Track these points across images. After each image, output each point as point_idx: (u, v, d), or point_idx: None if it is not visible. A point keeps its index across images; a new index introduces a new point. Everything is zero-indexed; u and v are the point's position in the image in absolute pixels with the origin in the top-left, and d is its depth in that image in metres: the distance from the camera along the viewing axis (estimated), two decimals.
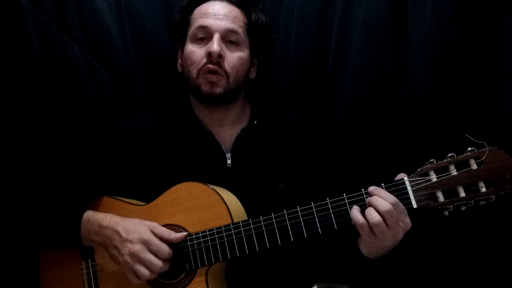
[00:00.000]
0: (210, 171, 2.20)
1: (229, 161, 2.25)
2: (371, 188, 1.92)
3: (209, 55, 2.16)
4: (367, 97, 2.53)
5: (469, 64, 2.36)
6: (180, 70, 2.34)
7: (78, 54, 2.55)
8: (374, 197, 1.89)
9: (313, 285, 2.32)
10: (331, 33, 2.57)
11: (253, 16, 2.30)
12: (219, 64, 2.18)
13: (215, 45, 2.16)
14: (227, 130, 2.31)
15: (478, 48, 2.35)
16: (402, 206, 1.89)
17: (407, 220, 1.90)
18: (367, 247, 1.99)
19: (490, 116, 2.33)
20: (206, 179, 2.12)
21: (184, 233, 2.05)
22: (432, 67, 2.40)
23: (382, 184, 1.92)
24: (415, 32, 2.43)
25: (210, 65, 2.17)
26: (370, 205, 1.89)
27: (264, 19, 2.35)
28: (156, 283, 2.08)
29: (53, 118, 2.57)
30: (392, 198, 1.87)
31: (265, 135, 2.31)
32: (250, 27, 2.28)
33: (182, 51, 2.30)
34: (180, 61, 2.34)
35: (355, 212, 1.91)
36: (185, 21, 2.28)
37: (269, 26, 2.40)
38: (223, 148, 2.27)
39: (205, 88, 2.19)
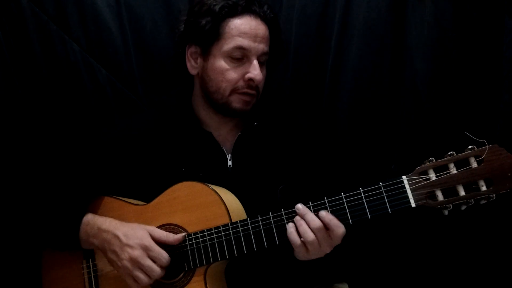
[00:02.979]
0: (210, 172, 2.20)
1: (229, 162, 2.25)
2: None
3: (250, 80, 2.17)
4: (367, 97, 2.52)
5: (469, 64, 2.36)
6: (193, 72, 2.30)
7: (78, 54, 2.55)
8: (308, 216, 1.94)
9: (313, 286, 2.32)
10: (331, 33, 2.57)
11: (276, 34, 2.28)
12: (258, 88, 2.21)
13: (258, 73, 2.16)
14: (227, 132, 2.32)
15: (478, 48, 2.35)
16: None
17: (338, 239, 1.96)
18: (298, 258, 2.03)
19: (490, 116, 2.32)
20: (206, 180, 2.12)
21: (183, 234, 2.06)
22: (432, 67, 2.40)
23: (380, 183, 1.91)
24: (415, 32, 2.43)
25: (249, 90, 2.19)
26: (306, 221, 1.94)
27: (282, 37, 2.35)
28: (155, 282, 2.08)
29: (53, 118, 2.57)
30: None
31: (265, 137, 2.31)
32: (271, 44, 2.26)
33: (203, 56, 2.24)
34: (194, 64, 2.28)
35: (293, 232, 1.94)
36: (216, 31, 2.19)
37: (284, 44, 2.39)
38: (223, 149, 2.27)
39: (237, 105, 2.20)
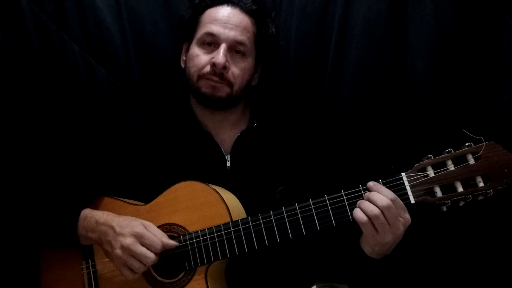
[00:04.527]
0: (209, 173, 2.20)
1: (228, 163, 2.25)
2: (370, 184, 1.92)
3: (213, 65, 2.16)
4: (367, 97, 2.53)
5: (469, 64, 2.37)
6: (183, 66, 2.34)
7: (78, 54, 2.54)
8: (372, 192, 1.90)
9: (313, 284, 2.31)
10: (331, 33, 2.56)
11: (263, 27, 2.29)
12: (222, 75, 2.18)
13: (220, 56, 2.15)
14: (226, 132, 2.32)
15: (478, 48, 2.36)
16: (401, 202, 1.89)
17: (407, 215, 1.90)
18: (370, 246, 1.99)
19: (490, 116, 2.33)
20: (205, 181, 2.12)
21: (175, 243, 2.04)
22: (432, 67, 2.40)
23: (380, 180, 1.92)
24: (415, 32, 2.43)
25: (213, 76, 2.18)
26: (369, 200, 1.89)
27: (274, 31, 2.35)
28: (156, 282, 2.09)
29: (52, 118, 2.57)
30: (390, 194, 1.88)
31: (264, 138, 2.31)
32: (259, 37, 2.27)
33: (188, 48, 2.29)
34: (184, 57, 2.33)
35: (358, 211, 1.91)
36: (195, 21, 2.26)
37: (278, 38, 2.39)
38: (222, 150, 2.27)
39: (206, 90, 2.20)
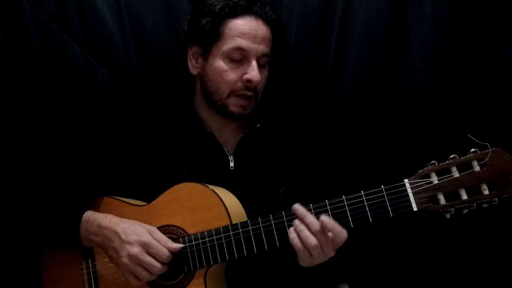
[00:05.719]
0: (212, 173, 2.20)
1: (231, 164, 2.25)
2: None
3: (247, 81, 2.16)
4: (367, 97, 2.52)
5: (469, 64, 2.36)
6: (194, 72, 2.30)
7: (78, 54, 2.55)
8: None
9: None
10: (331, 33, 2.57)
11: (279, 35, 2.27)
12: (255, 90, 2.20)
13: (256, 74, 2.15)
14: (229, 133, 2.31)
15: (478, 48, 2.35)
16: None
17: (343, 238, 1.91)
18: (304, 263, 2.00)
19: (490, 116, 2.32)
20: (208, 182, 2.11)
21: (181, 245, 2.04)
22: (432, 67, 2.40)
23: (382, 186, 1.90)
24: (415, 32, 2.43)
25: (248, 92, 2.19)
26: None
27: (285, 38, 2.35)
28: (155, 284, 2.08)
29: (53, 118, 2.57)
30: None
31: (267, 138, 2.31)
32: (274, 45, 2.26)
33: (202, 55, 2.25)
34: (195, 64, 2.28)
35: (296, 237, 1.91)
36: (216, 31, 2.18)
37: (289, 46, 2.40)
38: (225, 150, 2.27)
39: (235, 109, 2.20)
